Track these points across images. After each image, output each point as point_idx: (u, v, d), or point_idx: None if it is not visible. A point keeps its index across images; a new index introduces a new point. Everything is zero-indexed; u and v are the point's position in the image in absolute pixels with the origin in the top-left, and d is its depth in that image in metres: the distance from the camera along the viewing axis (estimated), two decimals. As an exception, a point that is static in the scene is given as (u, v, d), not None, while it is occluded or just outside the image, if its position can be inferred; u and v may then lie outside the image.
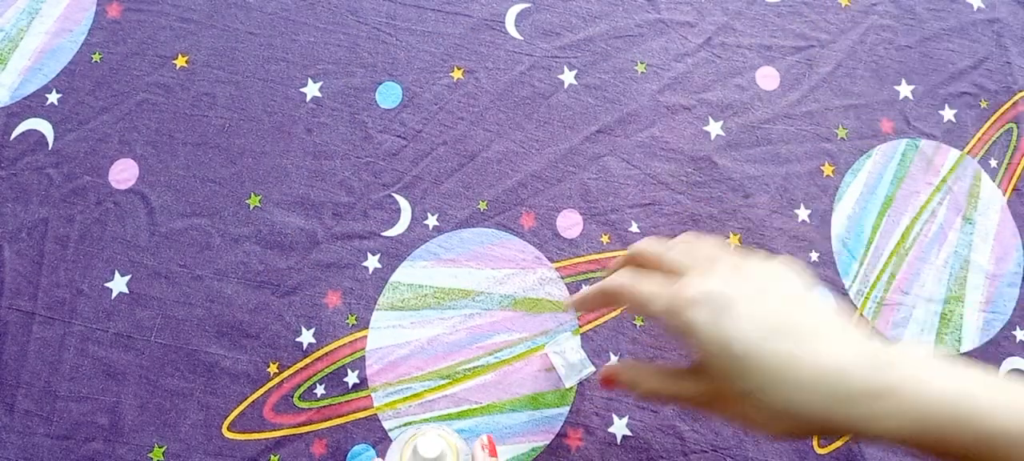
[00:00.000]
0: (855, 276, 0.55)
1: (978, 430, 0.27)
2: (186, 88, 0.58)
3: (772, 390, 0.30)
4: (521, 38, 0.60)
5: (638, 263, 0.39)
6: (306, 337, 0.52)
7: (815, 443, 0.50)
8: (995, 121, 0.60)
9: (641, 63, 0.60)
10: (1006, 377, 0.31)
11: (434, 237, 0.54)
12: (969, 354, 0.54)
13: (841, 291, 0.54)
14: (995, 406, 0.27)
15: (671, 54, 0.60)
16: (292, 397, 0.50)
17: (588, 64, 0.59)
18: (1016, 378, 0.32)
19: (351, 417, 0.50)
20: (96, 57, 0.59)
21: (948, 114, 0.59)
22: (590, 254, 0.54)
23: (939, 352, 0.32)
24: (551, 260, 0.54)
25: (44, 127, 0.57)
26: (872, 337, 0.33)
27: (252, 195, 0.55)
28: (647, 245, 0.39)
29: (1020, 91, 0.60)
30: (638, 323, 0.53)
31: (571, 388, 0.51)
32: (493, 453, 0.46)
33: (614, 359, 0.48)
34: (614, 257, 0.54)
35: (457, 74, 0.59)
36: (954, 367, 0.29)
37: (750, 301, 0.32)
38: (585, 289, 0.43)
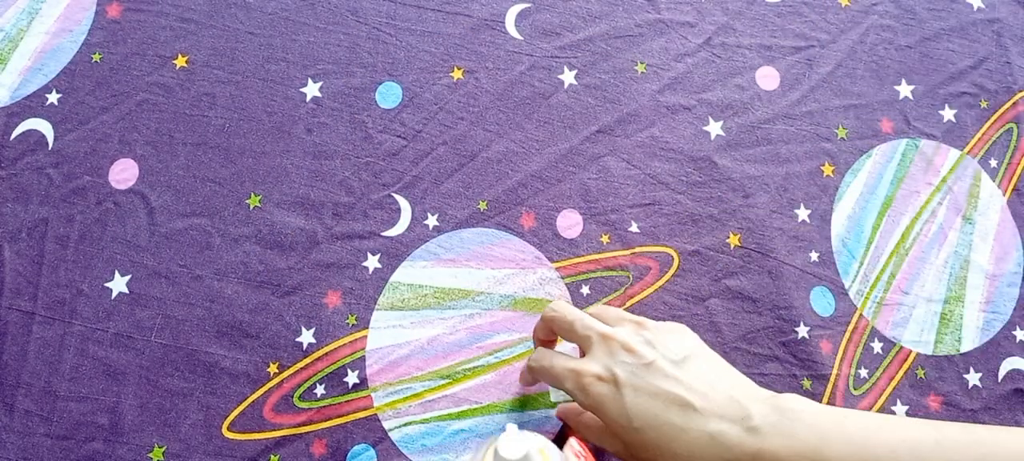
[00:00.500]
0: (855, 276, 0.55)
1: None
2: (186, 88, 0.58)
3: (667, 458, 0.35)
4: (521, 38, 0.60)
5: (552, 331, 0.45)
6: (306, 337, 0.52)
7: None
8: (995, 121, 0.60)
9: (641, 63, 0.60)
10: (864, 418, 0.36)
11: (434, 237, 0.54)
12: (969, 354, 0.54)
13: (841, 291, 0.54)
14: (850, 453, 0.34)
15: (671, 54, 0.60)
16: (292, 397, 0.50)
17: (588, 64, 0.59)
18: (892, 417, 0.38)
19: (351, 417, 0.50)
20: (96, 57, 0.59)
21: (948, 114, 0.60)
22: (590, 254, 0.54)
23: (813, 405, 0.38)
24: (551, 260, 0.54)
25: (44, 127, 0.57)
26: (756, 395, 0.38)
27: (252, 195, 0.55)
28: (559, 313, 0.43)
29: (1020, 91, 0.60)
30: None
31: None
32: (591, 458, 0.45)
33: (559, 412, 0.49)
34: (614, 257, 0.54)
35: (457, 74, 0.59)
36: (819, 417, 0.35)
37: (645, 375, 0.37)
38: (521, 370, 0.49)
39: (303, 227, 0.54)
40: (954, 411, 0.52)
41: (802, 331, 0.53)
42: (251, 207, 0.55)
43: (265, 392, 0.51)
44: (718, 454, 0.34)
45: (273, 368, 0.51)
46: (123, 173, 0.56)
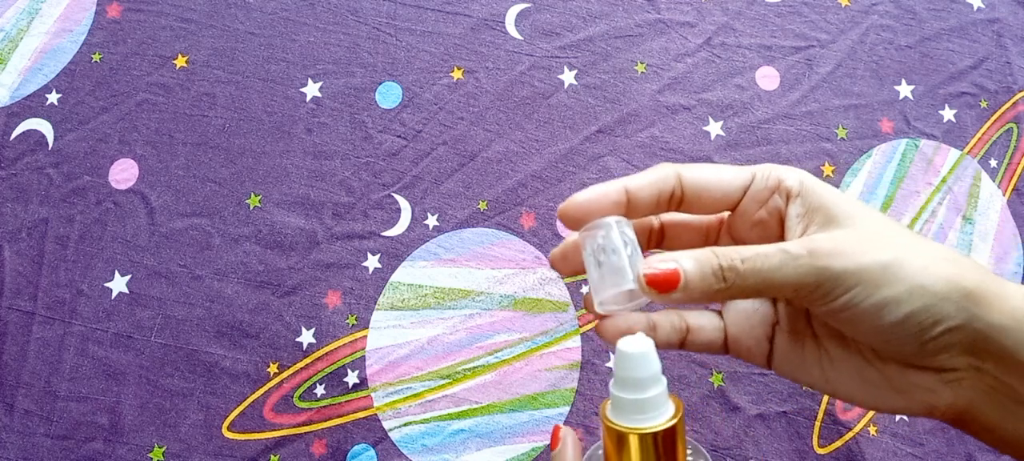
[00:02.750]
0: (855, 276, 0.55)
1: None
2: (186, 88, 0.58)
3: (895, 276, 0.26)
4: (521, 38, 0.60)
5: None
6: (306, 337, 0.52)
7: (815, 443, 0.50)
8: (995, 121, 0.60)
9: (641, 63, 0.60)
10: None
11: (434, 237, 0.54)
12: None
13: (841, 291, 0.54)
14: None
15: (671, 54, 0.60)
16: (292, 397, 0.50)
17: (588, 64, 0.59)
18: None
19: (351, 417, 0.50)
20: (96, 57, 0.59)
21: (948, 114, 0.60)
22: (590, 254, 0.54)
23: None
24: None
25: (44, 127, 0.57)
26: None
27: (252, 195, 0.55)
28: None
29: (1020, 91, 0.60)
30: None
31: (570, 388, 0.51)
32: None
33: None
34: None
35: (457, 74, 0.59)
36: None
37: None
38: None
39: (303, 227, 0.54)
40: (954, 411, 0.52)
41: (802, 331, 0.53)
42: (251, 207, 0.55)
43: (265, 392, 0.51)
44: (953, 282, 0.26)
45: (273, 368, 0.51)
46: (123, 173, 0.56)
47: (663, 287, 0.28)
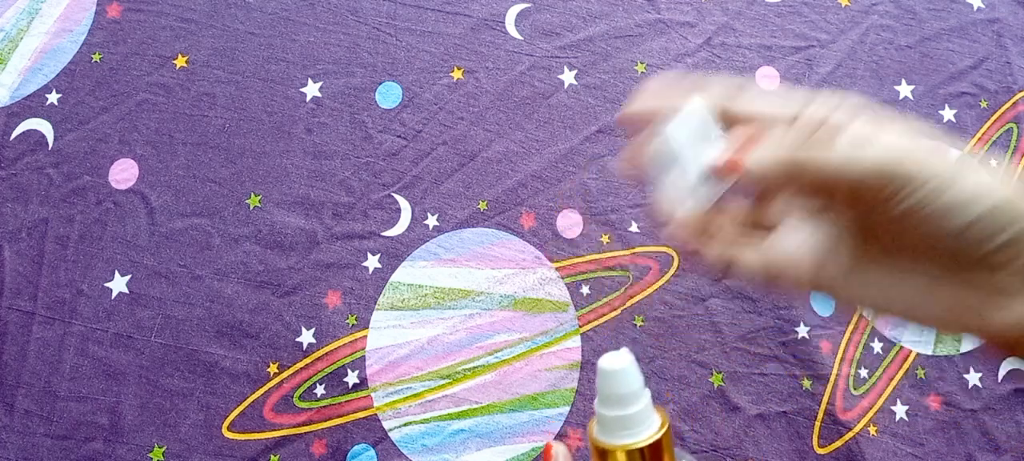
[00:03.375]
0: (855, 276, 0.55)
1: None
2: (186, 88, 0.58)
3: (955, 188, 0.25)
4: (521, 38, 0.60)
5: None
6: (306, 337, 0.52)
7: (815, 443, 0.50)
8: (995, 121, 0.60)
9: (641, 63, 0.60)
10: None
11: (434, 237, 0.54)
12: (969, 354, 0.54)
13: (841, 291, 0.54)
14: None
15: (671, 54, 0.60)
16: (292, 397, 0.50)
17: (588, 64, 0.59)
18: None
19: (351, 417, 0.50)
20: (96, 57, 0.59)
21: (948, 114, 0.59)
22: (590, 254, 0.54)
23: None
24: (551, 260, 0.54)
25: (44, 127, 0.57)
26: None
27: (252, 195, 0.55)
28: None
29: (1020, 91, 0.60)
30: (638, 323, 0.53)
31: (570, 388, 0.51)
32: None
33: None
34: (614, 257, 0.54)
35: (457, 74, 0.59)
36: None
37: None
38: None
39: (303, 227, 0.54)
40: (954, 411, 0.52)
41: (802, 331, 0.53)
42: (251, 207, 0.55)
43: (265, 392, 0.51)
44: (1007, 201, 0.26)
45: (273, 368, 0.51)
46: (123, 173, 0.56)
47: (729, 171, 0.28)
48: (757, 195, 0.31)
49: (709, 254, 0.31)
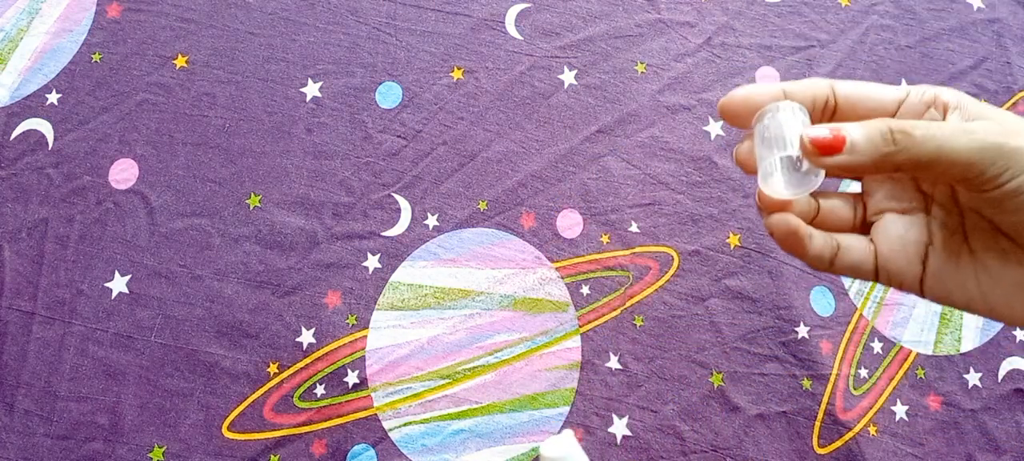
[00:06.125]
0: (855, 276, 0.55)
1: None
2: (186, 88, 0.58)
3: None
4: (521, 38, 0.60)
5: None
6: (306, 337, 0.52)
7: (815, 443, 0.50)
8: (995, 121, 0.60)
9: (641, 63, 0.60)
10: None
11: (434, 237, 0.54)
12: (969, 354, 0.54)
13: (841, 291, 0.54)
14: None
15: (671, 54, 0.60)
16: (292, 397, 0.50)
17: (588, 64, 0.59)
18: None
19: (351, 417, 0.50)
20: (96, 57, 0.59)
21: (948, 114, 0.60)
22: (590, 254, 0.54)
23: None
24: (551, 260, 0.54)
25: (44, 127, 0.57)
26: None
27: (252, 195, 0.55)
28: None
29: (1020, 91, 0.60)
30: (638, 323, 0.53)
31: (570, 388, 0.51)
32: None
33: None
34: (614, 257, 0.54)
35: (457, 74, 0.59)
36: None
37: None
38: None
39: (303, 227, 0.54)
40: (954, 411, 0.52)
41: (802, 331, 0.53)
42: (251, 207, 0.55)
43: (265, 392, 0.51)
44: None
45: (273, 368, 0.51)
46: (123, 173, 0.56)
47: (828, 149, 0.27)
48: (860, 178, 0.31)
49: (812, 246, 0.30)
